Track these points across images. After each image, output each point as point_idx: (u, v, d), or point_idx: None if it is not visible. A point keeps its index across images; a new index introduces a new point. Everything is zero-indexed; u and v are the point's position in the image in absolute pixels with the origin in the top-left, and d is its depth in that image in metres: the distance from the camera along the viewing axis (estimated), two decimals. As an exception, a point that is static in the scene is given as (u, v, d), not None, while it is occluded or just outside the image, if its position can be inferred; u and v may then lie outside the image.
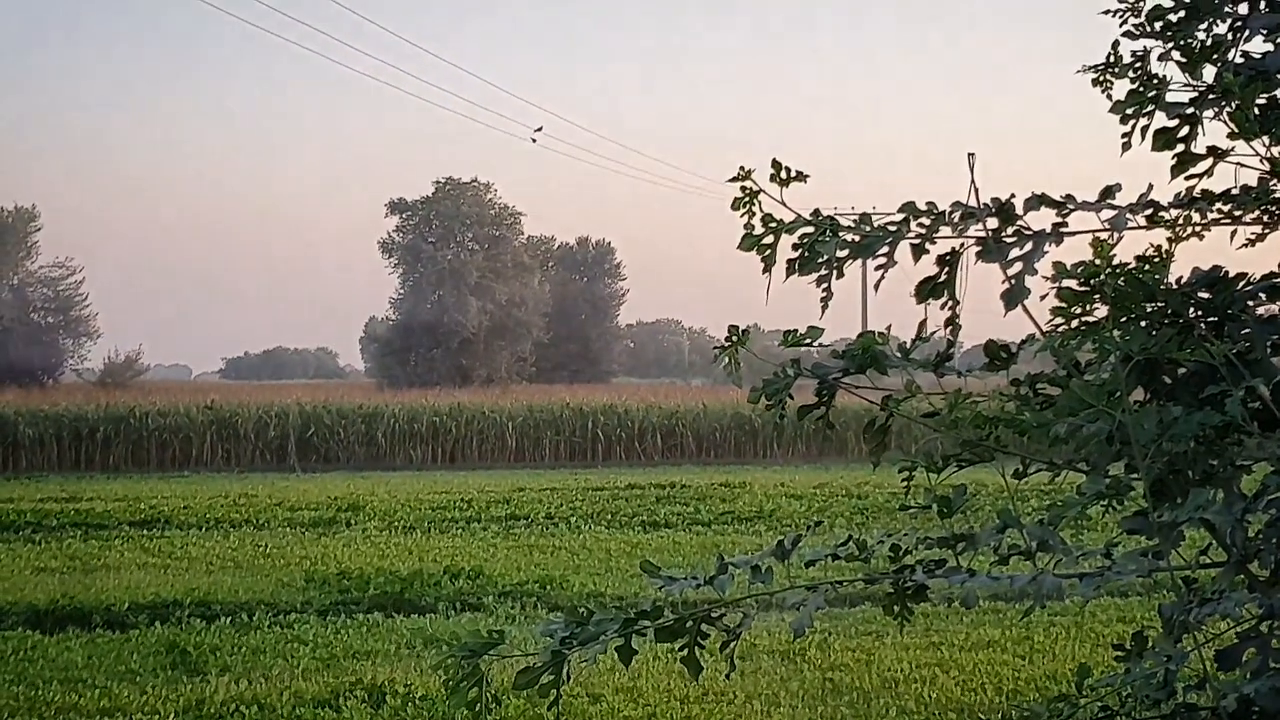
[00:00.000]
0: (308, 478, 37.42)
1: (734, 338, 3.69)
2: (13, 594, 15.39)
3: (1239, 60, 3.73)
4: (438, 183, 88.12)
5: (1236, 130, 3.54)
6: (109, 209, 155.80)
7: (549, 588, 15.95)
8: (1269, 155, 3.56)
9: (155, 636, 13.14)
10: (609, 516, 23.93)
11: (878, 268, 3.46)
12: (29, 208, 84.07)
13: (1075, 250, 3.38)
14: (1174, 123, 3.81)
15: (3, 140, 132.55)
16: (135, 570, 17.68)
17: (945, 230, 3.38)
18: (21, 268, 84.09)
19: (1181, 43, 3.89)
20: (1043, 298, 3.36)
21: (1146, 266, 3.34)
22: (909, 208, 3.40)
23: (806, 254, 3.46)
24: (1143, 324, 3.39)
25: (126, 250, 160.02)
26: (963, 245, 3.37)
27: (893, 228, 3.41)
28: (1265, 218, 3.68)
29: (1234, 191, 3.65)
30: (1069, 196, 3.33)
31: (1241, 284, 3.38)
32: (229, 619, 14.00)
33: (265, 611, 14.38)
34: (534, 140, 68.10)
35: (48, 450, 41.49)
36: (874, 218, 3.46)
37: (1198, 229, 3.67)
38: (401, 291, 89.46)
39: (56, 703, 10.31)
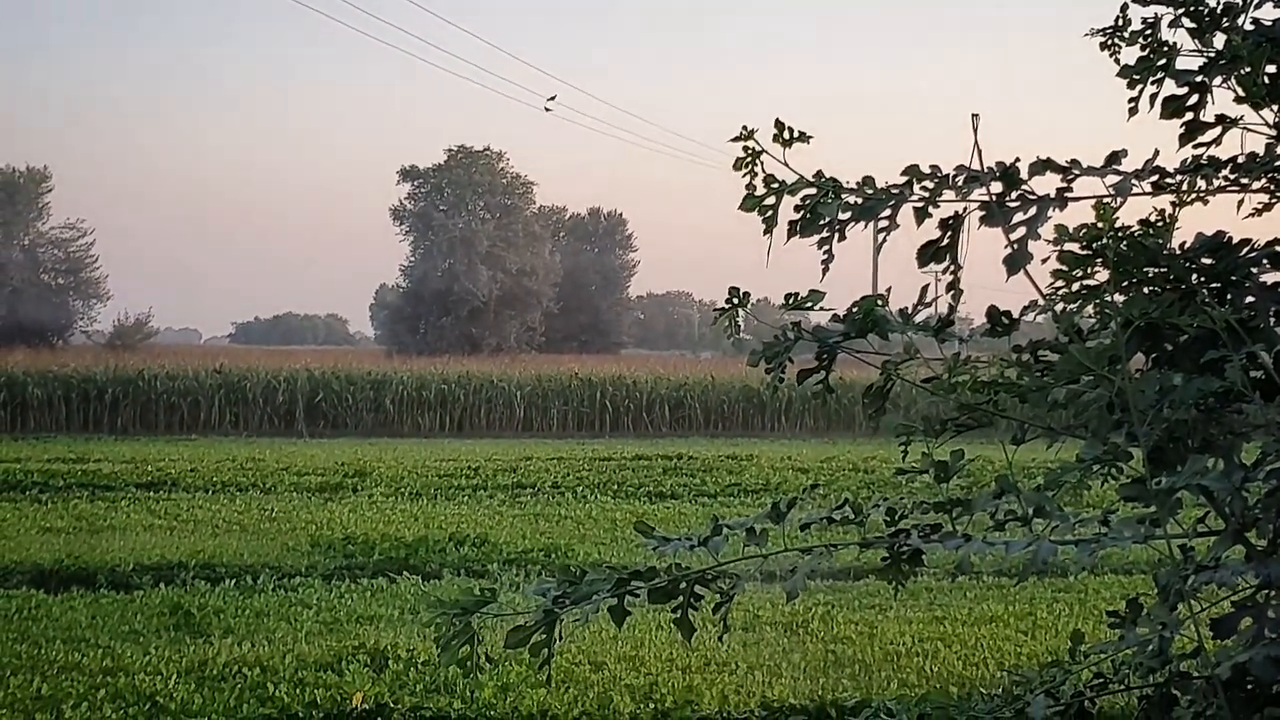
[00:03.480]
0: (315, 443, 37.43)
1: (734, 300, 3.67)
2: (18, 553, 15.41)
3: (1249, 26, 3.69)
4: (450, 151, 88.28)
5: (1245, 96, 3.50)
6: (121, 171, 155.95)
7: (554, 556, 15.94)
8: (1277, 122, 3.53)
9: (159, 598, 13.15)
10: (615, 487, 23.93)
11: (880, 230, 3.43)
12: (41, 169, 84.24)
13: (1079, 217, 3.35)
14: (1183, 90, 3.78)
15: (17, 102, 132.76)
16: (141, 532, 17.70)
17: (949, 194, 3.35)
18: (32, 229, 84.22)
19: (1192, 8, 3.85)
20: (1044, 261, 3.33)
21: (1149, 231, 3.31)
22: (913, 171, 3.37)
23: (808, 216, 3.43)
24: (1144, 289, 3.36)
25: (138, 213, 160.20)
26: (966, 209, 3.34)
27: (896, 190, 3.38)
28: (1272, 185, 3.64)
29: (1240, 159, 3.62)
30: (1074, 161, 3.29)
31: (1245, 250, 3.35)
32: (233, 581, 14.00)
33: (270, 575, 14.38)
34: (547, 109, 68.30)
35: (56, 411, 41.49)
36: (877, 181, 3.44)
37: (1203, 195, 3.64)
38: (412, 259, 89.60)
39: (59, 662, 10.31)
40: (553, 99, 62.99)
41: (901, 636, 11.60)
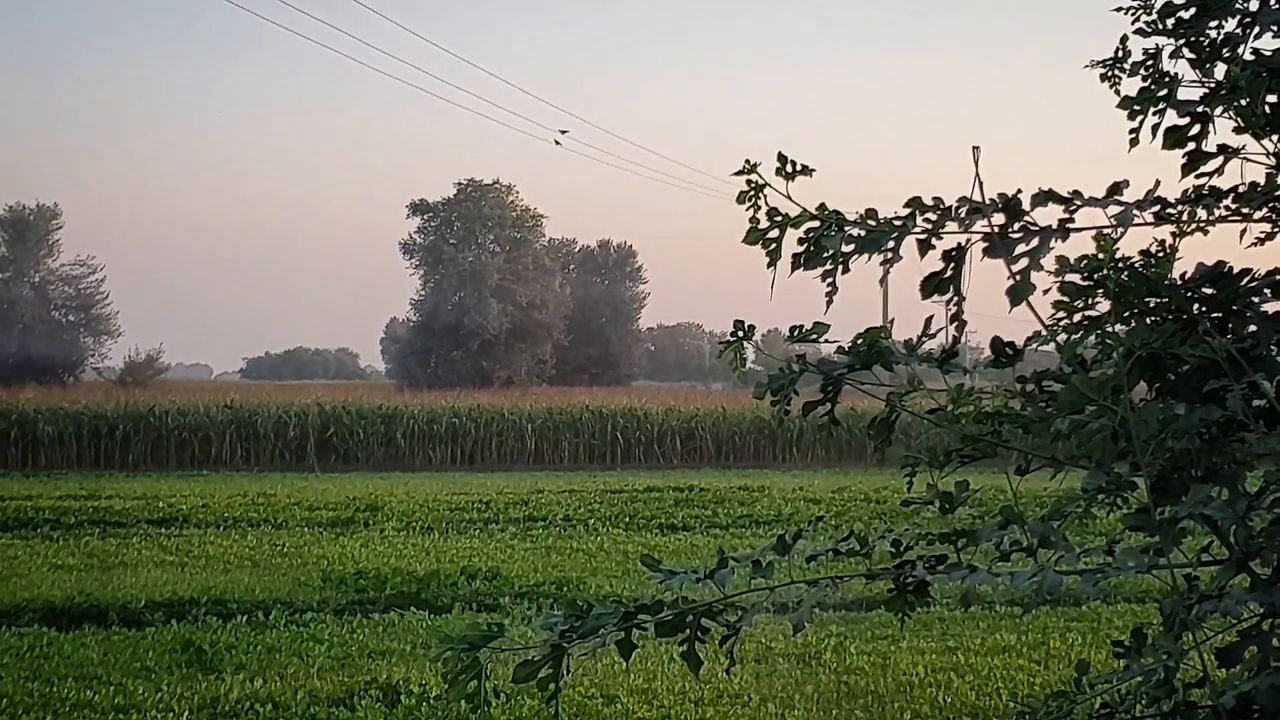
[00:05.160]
0: (326, 477, 37.47)
1: (739, 332, 3.68)
2: (30, 591, 15.43)
3: (1249, 57, 3.71)
4: (459, 184, 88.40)
5: (1245, 126, 3.52)
6: (131, 208, 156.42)
7: (566, 589, 15.93)
8: (1278, 152, 3.54)
9: (171, 634, 13.16)
10: (627, 519, 23.92)
11: (883, 263, 3.44)
12: (51, 205, 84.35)
13: (1081, 248, 3.36)
14: (1184, 121, 3.79)
15: (26, 138, 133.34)
16: (152, 568, 17.72)
17: (951, 226, 3.36)
18: (43, 265, 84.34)
19: (1192, 40, 3.88)
20: (1046, 292, 3.34)
21: (1151, 261, 3.32)
22: (915, 203, 3.38)
23: (812, 249, 3.44)
24: (1146, 319, 3.37)
25: (148, 249, 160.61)
26: (969, 241, 3.35)
27: (899, 223, 3.39)
28: (1273, 215, 3.66)
29: (1241, 188, 3.63)
30: (1076, 192, 3.30)
31: (1246, 280, 3.36)
32: (245, 617, 14.02)
33: (281, 610, 14.39)
34: (558, 143, 68.19)
35: (67, 448, 41.57)
36: (880, 212, 3.45)
37: (1203, 225, 3.65)
38: (422, 293, 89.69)
39: (71, 699, 10.32)
40: (564, 133, 62.99)
41: (914, 667, 11.59)
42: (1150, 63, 4.04)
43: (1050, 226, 3.27)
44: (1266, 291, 3.37)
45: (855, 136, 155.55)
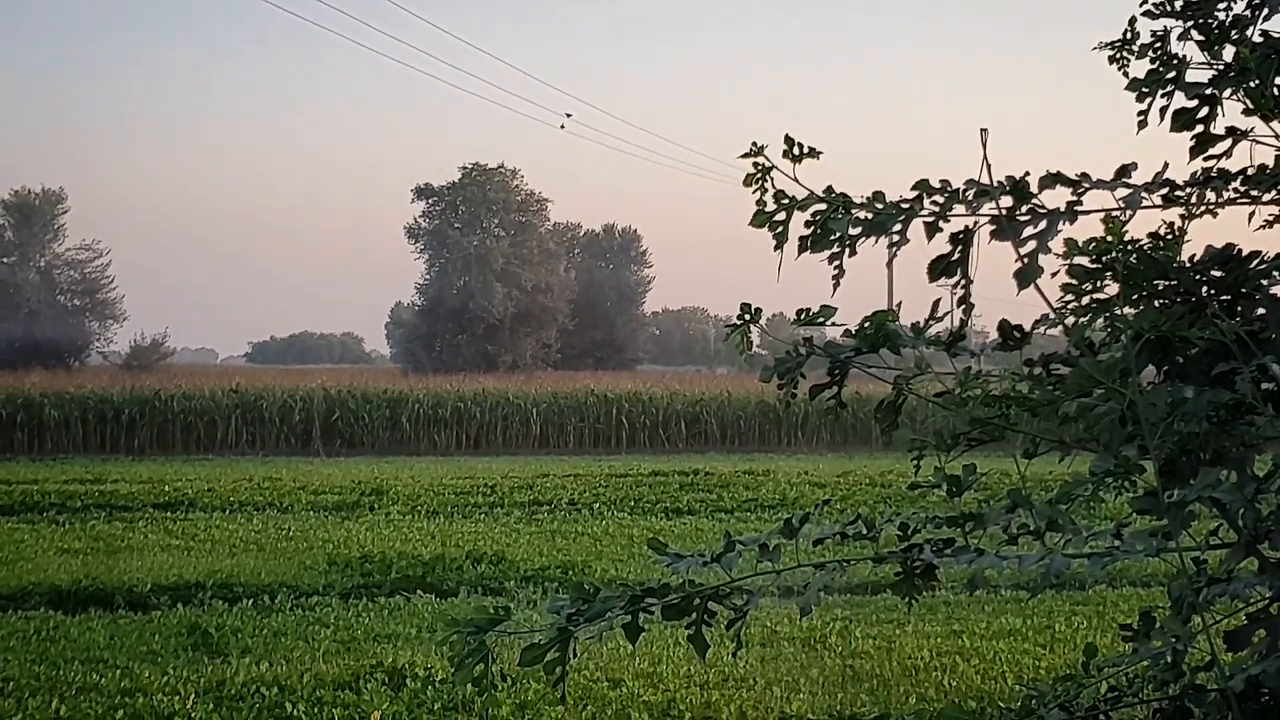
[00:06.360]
0: (332, 462, 37.49)
1: (745, 316, 3.67)
2: (36, 574, 15.44)
3: (1258, 39, 3.69)
4: (464, 168, 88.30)
5: (1254, 108, 3.51)
6: (136, 193, 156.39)
7: (571, 573, 15.95)
8: (1288, 134, 3.53)
9: (177, 618, 13.17)
10: (632, 503, 23.93)
11: (890, 246, 3.43)
12: (56, 190, 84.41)
13: (1089, 230, 3.35)
14: (1193, 103, 3.78)
15: (33, 123, 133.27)
16: (158, 552, 17.72)
17: (959, 209, 3.35)
18: (49, 250, 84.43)
19: (1201, 21, 3.86)
20: (1054, 274, 3.33)
21: (1159, 244, 3.31)
22: (923, 185, 3.37)
23: (819, 231, 3.43)
24: (1154, 302, 3.36)
25: (153, 234, 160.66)
26: (976, 224, 3.34)
27: (906, 205, 3.38)
28: (1282, 197, 3.65)
29: (1250, 171, 3.62)
30: (1084, 175, 3.29)
31: (1255, 262, 3.35)
32: (251, 601, 14.03)
33: (287, 594, 14.41)
34: (562, 127, 68.24)
35: (73, 432, 41.61)
36: (887, 195, 3.43)
37: (1212, 207, 3.64)
38: (427, 277, 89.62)
39: (78, 682, 10.33)
40: (569, 116, 63.05)
41: (920, 651, 11.58)
42: (1159, 45, 4.02)
43: (1058, 209, 3.26)
44: (1275, 274, 3.36)
45: (863, 117, 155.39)
